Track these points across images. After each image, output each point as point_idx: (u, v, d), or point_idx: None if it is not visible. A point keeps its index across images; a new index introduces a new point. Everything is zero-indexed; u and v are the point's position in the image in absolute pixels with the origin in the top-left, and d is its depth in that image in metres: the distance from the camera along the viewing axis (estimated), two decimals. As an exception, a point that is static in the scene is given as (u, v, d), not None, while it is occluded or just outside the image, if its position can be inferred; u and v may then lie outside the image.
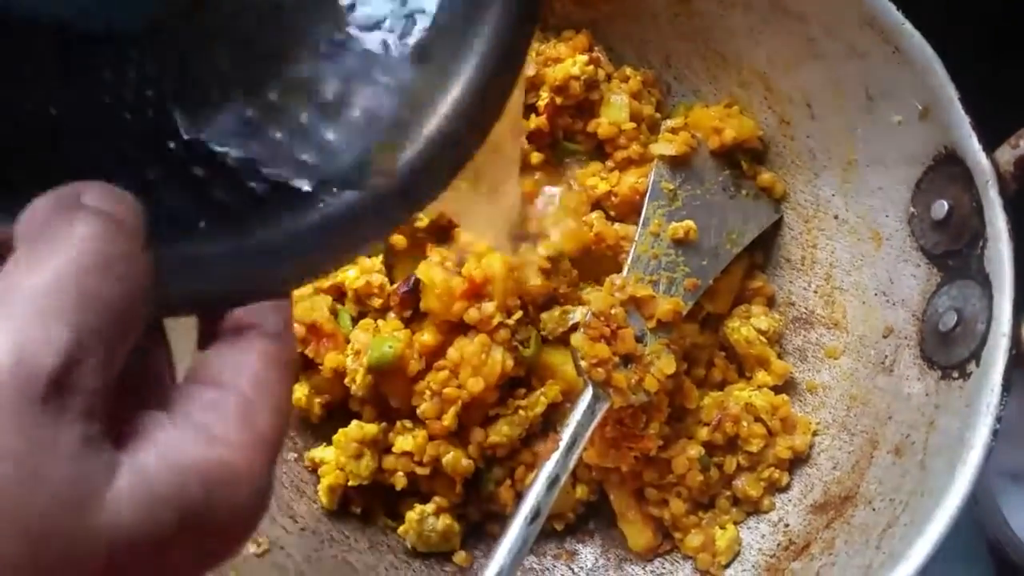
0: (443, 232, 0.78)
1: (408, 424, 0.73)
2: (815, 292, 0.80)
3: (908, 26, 0.66)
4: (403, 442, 0.72)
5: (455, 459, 0.72)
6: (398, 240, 0.77)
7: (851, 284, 0.77)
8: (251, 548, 0.67)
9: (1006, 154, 0.64)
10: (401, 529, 0.74)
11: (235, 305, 0.35)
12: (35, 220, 0.30)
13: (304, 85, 0.38)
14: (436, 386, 0.71)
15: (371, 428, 0.73)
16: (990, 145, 0.64)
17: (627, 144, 0.78)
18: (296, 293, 0.75)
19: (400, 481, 0.73)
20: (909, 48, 0.66)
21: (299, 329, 0.73)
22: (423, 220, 0.76)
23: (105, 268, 0.30)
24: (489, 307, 0.72)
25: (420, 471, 0.72)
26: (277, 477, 0.74)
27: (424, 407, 0.71)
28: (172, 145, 0.35)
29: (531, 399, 0.73)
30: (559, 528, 0.76)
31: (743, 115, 0.80)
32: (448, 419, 0.70)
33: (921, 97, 0.67)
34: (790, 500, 0.75)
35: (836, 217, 0.78)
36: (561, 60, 0.78)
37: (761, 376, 0.77)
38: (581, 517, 0.77)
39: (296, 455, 0.76)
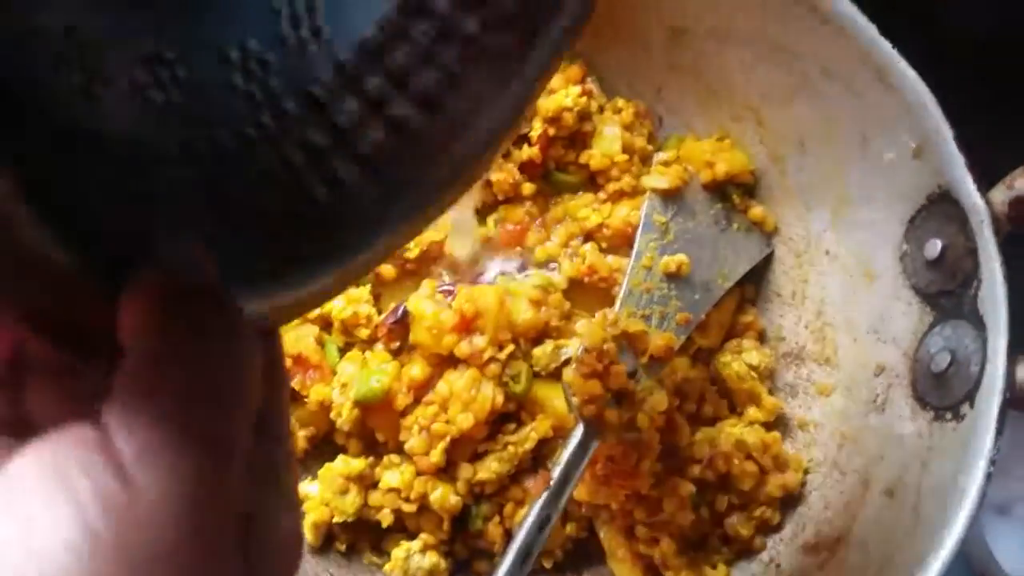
0: (431, 262, 0.77)
1: (395, 459, 0.72)
2: (806, 327, 0.79)
3: (903, 64, 0.66)
4: (390, 478, 0.71)
5: (443, 496, 0.70)
6: (386, 270, 0.75)
7: (842, 321, 0.77)
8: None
9: (1000, 194, 0.64)
10: (387, 567, 0.72)
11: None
12: None
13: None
14: (424, 421, 0.70)
15: (357, 463, 0.72)
16: (984, 185, 0.64)
17: (619, 176, 0.78)
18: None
19: (387, 518, 0.71)
20: (904, 86, 0.66)
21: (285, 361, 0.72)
22: (412, 250, 0.75)
23: None
24: (480, 341, 0.71)
25: (407, 508, 0.71)
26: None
27: (412, 443, 0.70)
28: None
29: (521, 435, 0.72)
30: (547, 566, 0.75)
31: (735, 149, 0.80)
32: (436, 455, 0.69)
33: (915, 135, 0.67)
34: (782, 540, 0.74)
35: (828, 252, 0.78)
36: (554, 91, 0.77)
37: (752, 412, 0.77)
38: (570, 554, 0.76)
39: (279, 490, 0.75)
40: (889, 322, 0.72)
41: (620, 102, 0.81)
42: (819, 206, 0.77)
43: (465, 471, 0.71)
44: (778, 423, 0.78)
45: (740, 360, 0.77)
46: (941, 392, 0.66)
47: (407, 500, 0.71)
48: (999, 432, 0.61)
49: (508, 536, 0.72)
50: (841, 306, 0.77)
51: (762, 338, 0.81)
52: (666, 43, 0.78)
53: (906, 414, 0.69)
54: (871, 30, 0.67)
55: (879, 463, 0.70)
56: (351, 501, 0.71)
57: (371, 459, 0.73)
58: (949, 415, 0.65)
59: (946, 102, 0.66)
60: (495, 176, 0.76)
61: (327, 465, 0.72)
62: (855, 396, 0.74)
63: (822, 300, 0.78)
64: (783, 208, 0.80)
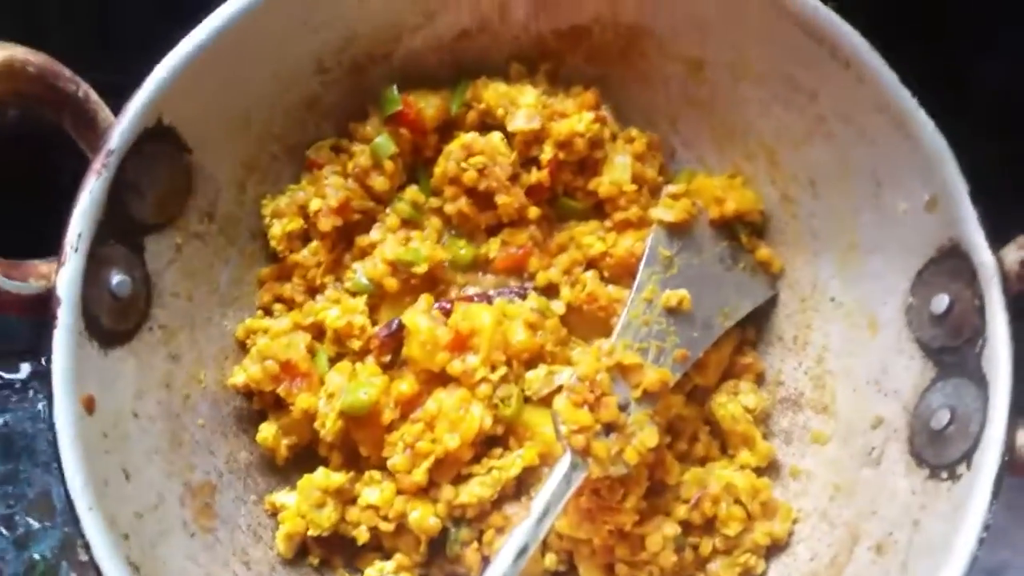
0: (436, 282, 0.76)
1: (376, 476, 0.71)
2: (805, 374, 0.78)
3: (923, 114, 0.66)
4: (369, 495, 0.69)
5: (422, 517, 0.69)
6: (388, 282, 0.74)
7: (843, 369, 0.75)
8: (199, 593, 0.64)
9: (1012, 253, 0.63)
10: None
11: None
12: None
13: None
14: (410, 439, 0.69)
15: (338, 477, 0.70)
16: (997, 243, 0.63)
17: (627, 206, 0.77)
18: (274, 328, 0.73)
19: (363, 535, 0.70)
20: (921, 137, 0.66)
21: (272, 367, 0.71)
22: (421, 267, 0.74)
23: None
24: (473, 360, 0.70)
25: (384, 526, 0.69)
26: (234, 519, 0.71)
27: (395, 460, 0.69)
28: None
29: (507, 460, 0.71)
30: None
31: (746, 188, 0.79)
32: (419, 474, 0.68)
33: (930, 187, 0.66)
34: (765, 590, 0.72)
35: (833, 300, 0.76)
36: (567, 116, 0.76)
37: (744, 456, 0.75)
38: (548, 586, 0.74)
39: (256, 497, 0.73)
40: (890, 375, 0.71)
41: (633, 132, 0.80)
42: (827, 252, 0.76)
43: (447, 492, 0.70)
44: (770, 469, 0.76)
45: (736, 402, 0.76)
46: (938, 450, 0.65)
47: (385, 519, 0.70)
48: (995, 496, 0.59)
49: (485, 563, 0.71)
50: (842, 355, 0.75)
51: (760, 381, 0.79)
52: (684, 75, 0.77)
53: (901, 470, 0.68)
54: (892, 77, 0.66)
55: (870, 518, 0.68)
56: (328, 515, 0.70)
57: (352, 474, 0.72)
58: (945, 474, 0.63)
59: (962, 157, 0.65)
60: (501, 198, 0.75)
61: (307, 476, 0.71)
62: (850, 447, 0.73)
63: (824, 347, 0.77)
64: (791, 251, 0.79)
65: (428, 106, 0.77)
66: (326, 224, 0.74)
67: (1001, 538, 0.94)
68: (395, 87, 0.76)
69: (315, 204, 0.74)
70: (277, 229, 0.75)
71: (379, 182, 0.76)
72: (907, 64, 0.66)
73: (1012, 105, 0.83)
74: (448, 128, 0.79)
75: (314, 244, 0.76)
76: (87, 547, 0.58)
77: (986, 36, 0.86)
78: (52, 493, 0.92)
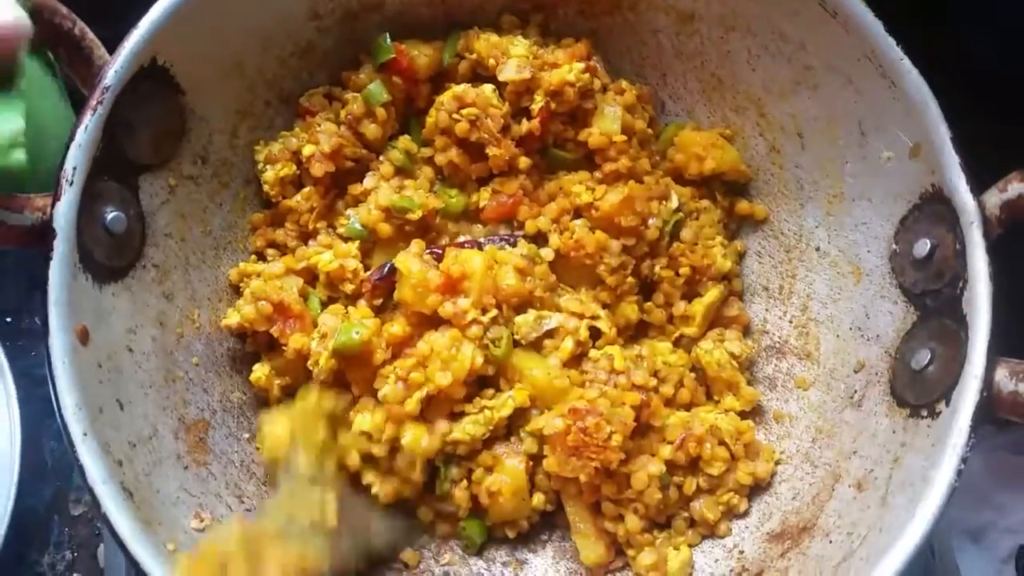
0: (428, 230, 0.77)
1: (368, 403, 0.71)
2: (790, 322, 0.79)
3: (907, 62, 0.67)
4: (361, 420, 0.70)
5: (415, 439, 0.69)
6: (382, 228, 0.75)
7: (827, 317, 0.77)
8: (192, 523, 0.65)
9: (993, 197, 0.64)
10: None
11: None
12: None
13: None
14: (402, 372, 0.69)
15: (329, 400, 0.71)
16: (978, 188, 0.64)
17: (617, 156, 0.78)
18: (267, 271, 0.74)
19: (354, 460, 0.70)
20: (906, 85, 0.67)
21: (265, 307, 0.72)
22: (416, 213, 0.74)
23: None
24: (464, 303, 0.70)
25: (377, 450, 0.70)
26: (227, 455, 0.72)
27: (387, 390, 0.69)
28: None
29: (498, 400, 0.72)
30: (511, 535, 0.74)
31: (729, 145, 0.80)
32: (411, 404, 0.69)
33: (913, 135, 0.68)
34: (747, 527, 0.74)
35: (818, 249, 0.78)
36: (558, 66, 0.77)
37: (729, 400, 0.77)
38: (535, 526, 0.75)
39: (249, 435, 0.74)
40: (874, 320, 0.72)
41: (624, 83, 0.81)
42: (812, 202, 0.78)
43: (441, 426, 0.71)
44: (754, 413, 0.78)
45: (721, 348, 0.77)
46: (919, 390, 0.66)
47: (377, 442, 0.70)
48: (973, 430, 0.60)
49: (475, 501, 0.72)
50: (827, 302, 0.77)
51: (746, 332, 0.81)
52: (674, 28, 0.78)
53: (882, 410, 0.69)
54: (878, 27, 0.67)
55: (851, 457, 0.70)
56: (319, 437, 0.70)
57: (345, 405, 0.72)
58: (925, 412, 0.65)
59: (945, 104, 0.66)
60: (492, 150, 0.75)
61: (301, 397, 0.71)
62: (833, 391, 0.74)
63: (808, 296, 0.78)
64: (777, 202, 0.80)
65: (420, 55, 0.78)
66: (319, 170, 0.75)
67: (985, 500, 0.95)
68: (387, 36, 0.76)
69: (308, 150, 0.75)
70: (270, 174, 0.76)
71: (371, 129, 0.77)
72: (894, 19, 0.68)
73: (993, 59, 0.84)
74: (441, 79, 0.80)
75: (307, 190, 0.77)
76: (82, 471, 0.58)
77: (985, 14, 0.87)
78: (43, 448, 0.93)
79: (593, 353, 0.73)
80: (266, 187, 0.76)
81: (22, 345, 0.97)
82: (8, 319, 1.00)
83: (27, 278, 1.00)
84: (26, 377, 0.92)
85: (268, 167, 0.76)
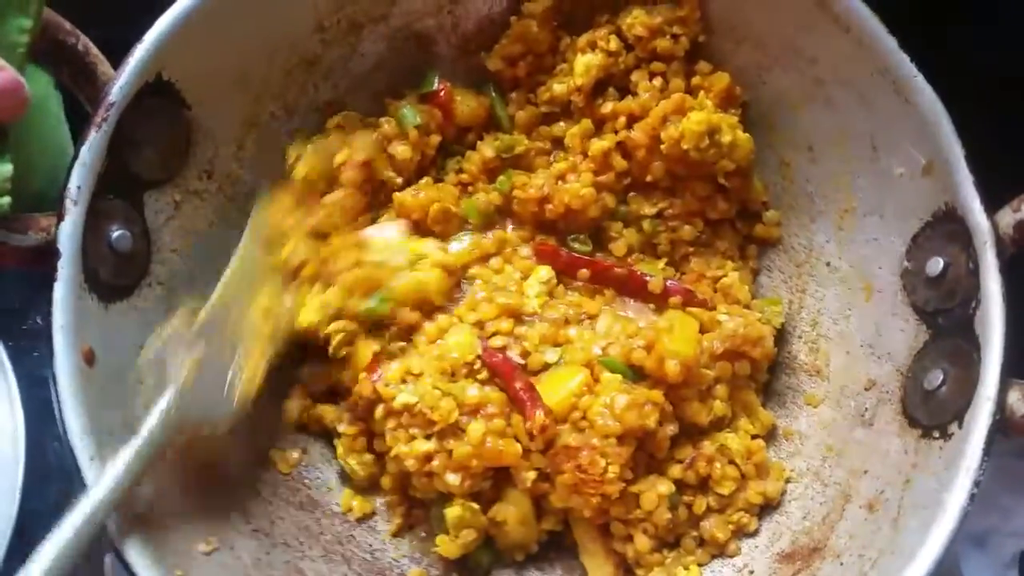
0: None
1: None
2: (800, 338, 0.79)
3: (921, 79, 0.66)
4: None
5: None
6: None
7: (837, 333, 0.76)
8: (200, 546, 0.64)
9: (1007, 217, 0.64)
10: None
11: None
12: None
13: None
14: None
15: None
16: (991, 206, 0.64)
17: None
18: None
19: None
20: (920, 101, 0.66)
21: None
22: None
23: None
24: None
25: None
26: (234, 476, 0.71)
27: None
28: None
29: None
30: (520, 559, 0.74)
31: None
32: None
33: (926, 151, 0.67)
34: (757, 547, 0.73)
35: (828, 264, 0.77)
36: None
37: (744, 423, 0.76)
38: (544, 547, 0.75)
39: (255, 457, 0.74)
40: (885, 337, 0.72)
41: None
42: (823, 217, 0.77)
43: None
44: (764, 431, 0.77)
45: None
46: (931, 410, 0.66)
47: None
48: (986, 453, 0.60)
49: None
50: (838, 319, 0.76)
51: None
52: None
53: (893, 430, 0.68)
54: (891, 43, 0.67)
55: (862, 477, 0.69)
56: None
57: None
58: (937, 433, 0.64)
59: (958, 122, 0.65)
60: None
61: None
62: (843, 409, 0.74)
63: (819, 311, 0.78)
64: (787, 216, 0.80)
65: (463, 103, 0.79)
66: (350, 177, 0.75)
67: (989, 504, 0.95)
68: (436, 73, 0.79)
69: (341, 156, 0.75)
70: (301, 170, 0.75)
71: (401, 150, 0.77)
72: (905, 33, 0.67)
73: (1007, 76, 0.83)
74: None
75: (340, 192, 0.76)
76: (89, 497, 0.58)
77: (986, 15, 0.87)
78: (47, 449, 0.93)
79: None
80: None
81: (24, 345, 0.96)
82: (9, 318, 0.99)
83: (30, 278, 0.99)
84: (28, 378, 0.91)
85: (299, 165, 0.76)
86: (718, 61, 0.77)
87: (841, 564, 0.66)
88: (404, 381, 0.69)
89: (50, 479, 0.92)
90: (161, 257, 0.69)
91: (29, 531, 0.86)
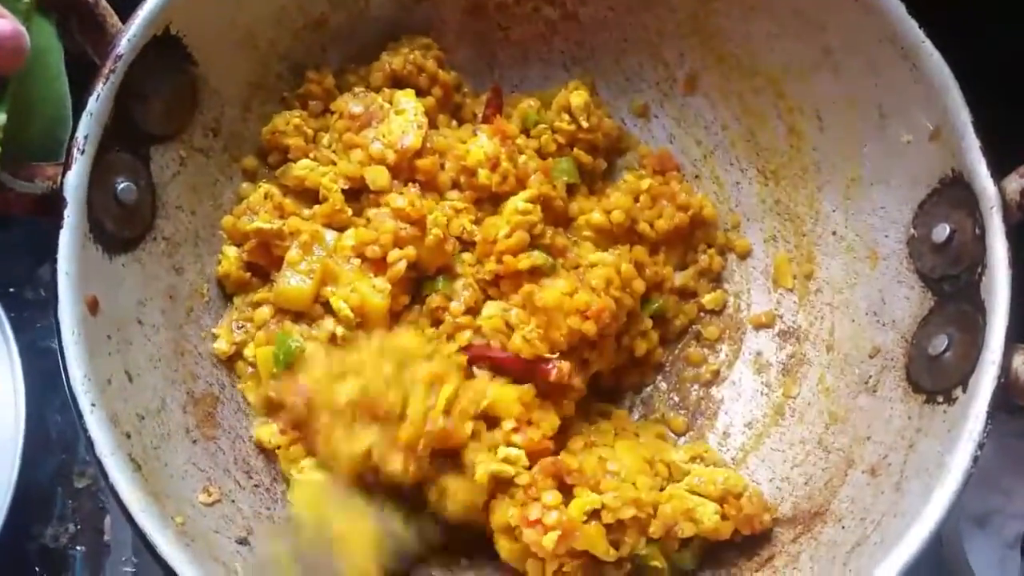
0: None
1: None
2: (804, 307, 0.79)
3: (928, 45, 0.66)
4: None
5: None
6: None
7: (842, 302, 0.76)
8: (201, 497, 0.64)
9: (1014, 183, 0.63)
10: None
11: None
12: None
13: None
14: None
15: None
16: (998, 173, 0.63)
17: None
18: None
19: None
20: (928, 67, 0.66)
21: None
22: None
23: None
24: None
25: None
26: (236, 430, 0.71)
27: None
28: None
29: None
30: None
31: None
32: None
33: (934, 118, 0.67)
34: (758, 512, 0.73)
35: (835, 233, 0.77)
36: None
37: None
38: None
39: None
40: (890, 305, 0.72)
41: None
42: (829, 185, 0.77)
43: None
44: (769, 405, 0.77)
45: None
46: (935, 376, 0.66)
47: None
48: (990, 417, 0.60)
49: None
50: (842, 287, 0.76)
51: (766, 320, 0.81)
52: (694, 5, 0.77)
53: (897, 396, 0.68)
54: (899, 8, 0.67)
55: (865, 443, 0.69)
56: None
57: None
58: (941, 398, 0.64)
59: (966, 88, 0.65)
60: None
61: None
62: (847, 376, 0.74)
63: (824, 280, 0.78)
64: (793, 186, 0.79)
65: None
66: None
67: (992, 485, 0.95)
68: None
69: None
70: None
71: None
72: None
73: (1015, 42, 0.83)
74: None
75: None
76: (90, 443, 0.58)
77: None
78: (48, 420, 0.93)
79: None
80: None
81: (27, 317, 0.97)
82: (12, 290, 0.99)
83: (32, 250, 0.99)
84: (30, 349, 0.91)
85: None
86: (726, 31, 0.77)
87: (843, 527, 0.66)
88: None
89: (50, 449, 0.93)
90: (166, 212, 0.69)
91: (28, 501, 0.86)
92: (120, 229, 0.65)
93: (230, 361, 0.73)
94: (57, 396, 0.92)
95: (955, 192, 0.66)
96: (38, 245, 0.98)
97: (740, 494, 0.69)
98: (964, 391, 0.62)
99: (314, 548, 0.63)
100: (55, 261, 0.59)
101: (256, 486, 0.69)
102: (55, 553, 0.90)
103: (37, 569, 0.90)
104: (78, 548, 0.91)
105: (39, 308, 0.98)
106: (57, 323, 0.58)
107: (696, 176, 0.84)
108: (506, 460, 0.66)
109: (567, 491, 0.66)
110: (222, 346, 0.72)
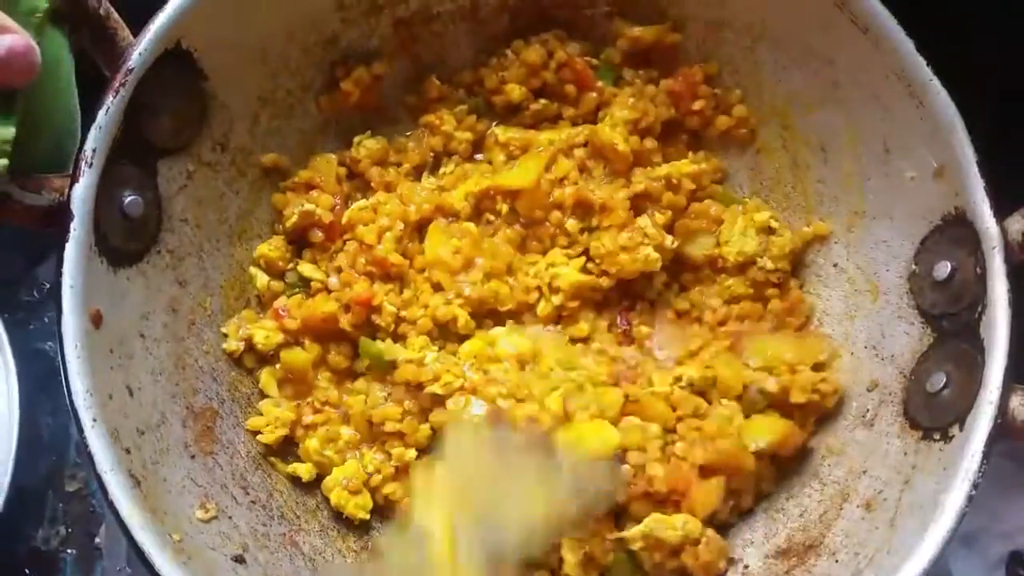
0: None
1: None
2: (804, 338, 0.79)
3: (936, 83, 0.66)
4: None
5: None
6: None
7: (841, 334, 0.76)
8: (198, 513, 0.64)
9: (1016, 223, 0.64)
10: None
11: None
12: None
13: None
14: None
15: None
16: (1001, 212, 0.64)
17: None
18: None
19: None
20: (934, 105, 0.66)
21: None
22: None
23: None
24: None
25: None
26: (234, 445, 0.71)
27: None
28: None
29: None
30: None
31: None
32: None
33: (939, 155, 0.67)
34: (752, 542, 0.73)
35: (836, 265, 0.77)
36: None
37: None
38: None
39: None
40: (889, 340, 0.72)
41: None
42: (833, 218, 0.77)
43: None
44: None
45: None
46: (933, 413, 0.66)
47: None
48: (985, 456, 0.60)
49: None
50: (842, 319, 0.77)
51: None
52: (702, 35, 0.78)
53: (894, 431, 0.69)
54: (908, 45, 0.67)
55: (860, 477, 0.70)
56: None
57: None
58: (937, 435, 0.64)
59: (971, 127, 0.66)
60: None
61: None
62: (845, 409, 0.74)
63: (824, 312, 0.78)
64: (796, 216, 0.80)
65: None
66: None
67: (979, 505, 0.96)
68: None
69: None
70: None
71: None
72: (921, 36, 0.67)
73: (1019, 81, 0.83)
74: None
75: None
76: (90, 458, 0.58)
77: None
78: (40, 423, 0.93)
79: None
80: None
81: (21, 318, 0.97)
82: (8, 292, 0.99)
83: (27, 251, 0.99)
84: (24, 351, 0.91)
85: None
86: (734, 60, 0.78)
87: (836, 561, 0.66)
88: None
89: (42, 452, 0.93)
90: (171, 225, 0.69)
91: (20, 503, 0.86)
92: (125, 242, 0.65)
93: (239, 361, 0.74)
94: (49, 398, 0.92)
95: (957, 230, 0.67)
96: (33, 246, 0.98)
97: (698, 540, 0.69)
98: (961, 429, 0.62)
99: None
100: (60, 274, 0.59)
101: (253, 502, 0.69)
102: (46, 556, 0.91)
103: (27, 571, 0.90)
104: (69, 551, 0.91)
105: (33, 309, 0.98)
106: (60, 337, 0.58)
107: (698, 202, 0.84)
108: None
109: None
110: (231, 345, 0.73)
